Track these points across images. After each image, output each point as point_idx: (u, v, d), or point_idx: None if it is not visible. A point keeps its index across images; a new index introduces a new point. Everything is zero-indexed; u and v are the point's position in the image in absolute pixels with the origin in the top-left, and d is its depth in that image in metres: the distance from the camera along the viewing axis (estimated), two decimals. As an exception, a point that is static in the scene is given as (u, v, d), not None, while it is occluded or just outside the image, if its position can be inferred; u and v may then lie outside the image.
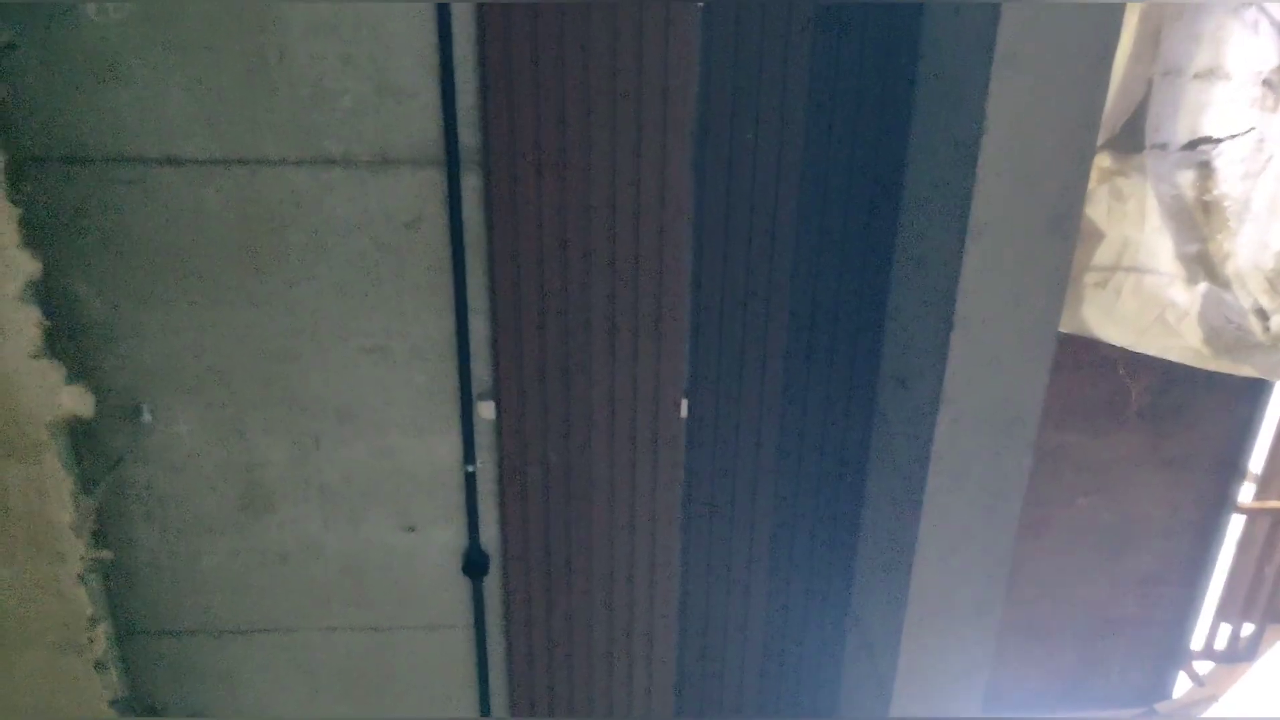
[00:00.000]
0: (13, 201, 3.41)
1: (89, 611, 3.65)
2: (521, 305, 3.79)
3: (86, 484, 3.56)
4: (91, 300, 3.71)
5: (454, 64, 3.47)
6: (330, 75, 3.46)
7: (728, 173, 3.64)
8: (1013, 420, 3.51)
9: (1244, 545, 5.38)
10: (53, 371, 3.33)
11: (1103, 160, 3.49)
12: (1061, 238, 3.24)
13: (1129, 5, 3.14)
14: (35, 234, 3.53)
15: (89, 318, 3.73)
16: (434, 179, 3.63)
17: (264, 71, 3.43)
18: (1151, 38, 3.23)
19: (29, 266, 3.19)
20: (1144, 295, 3.81)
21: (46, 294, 3.59)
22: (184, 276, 3.70)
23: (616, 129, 3.55)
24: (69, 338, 3.71)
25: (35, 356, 3.27)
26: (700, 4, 3.41)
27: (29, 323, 3.22)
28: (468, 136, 3.58)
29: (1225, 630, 5.69)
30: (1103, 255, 3.81)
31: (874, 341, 3.88)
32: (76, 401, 3.41)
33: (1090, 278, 3.87)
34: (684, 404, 4.03)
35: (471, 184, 3.64)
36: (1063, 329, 4.04)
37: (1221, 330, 3.72)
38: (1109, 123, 3.39)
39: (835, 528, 4.20)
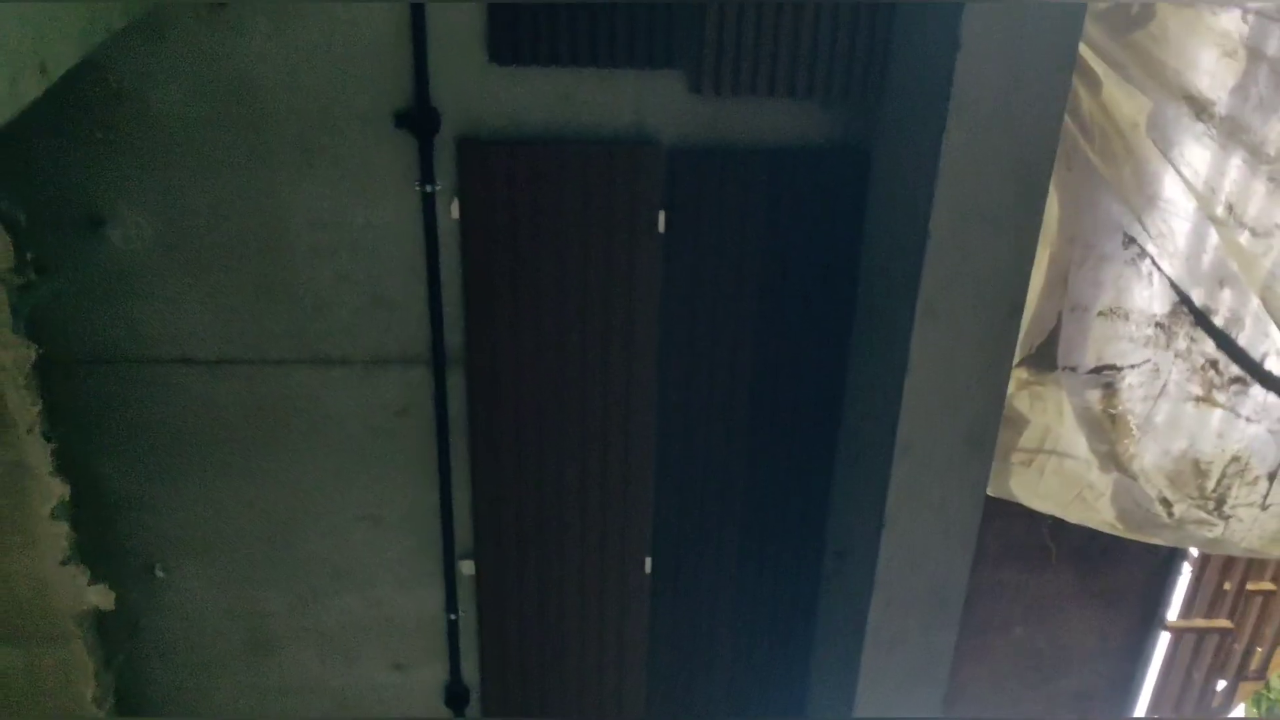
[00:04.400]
0: (43, 398, 3.81)
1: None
2: (500, 479, 4.19)
3: (109, 659, 3.96)
4: (111, 477, 4.11)
5: (440, 279, 3.87)
6: (329, 290, 3.86)
7: (688, 373, 4.05)
8: (940, 603, 3.93)
9: (1170, 660, 5.82)
10: (79, 575, 3.74)
11: (1021, 374, 3.90)
12: (979, 454, 3.65)
13: (1040, 247, 3.55)
14: (62, 423, 3.93)
15: (109, 491, 4.12)
16: (422, 375, 4.04)
17: (269, 289, 3.83)
18: (1061, 278, 3.64)
19: (59, 490, 3.59)
20: (1064, 476, 4.22)
21: (70, 470, 3.99)
22: (195, 457, 4.10)
23: (586, 334, 3.95)
24: (90, 508, 4.11)
25: (64, 563, 3.68)
26: (661, 231, 3.80)
27: (59, 536, 3.63)
28: (453, 339, 3.98)
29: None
30: (1028, 439, 4.23)
31: (819, 524, 4.29)
32: (100, 598, 3.81)
33: (1017, 457, 4.28)
34: (648, 561, 4.43)
35: (456, 380, 4.05)
36: (994, 494, 4.46)
37: (1132, 512, 4.14)
38: (1026, 344, 3.80)
39: (787, 685, 4.62)
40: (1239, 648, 5.96)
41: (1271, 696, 8.37)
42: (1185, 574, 5.56)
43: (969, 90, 3.07)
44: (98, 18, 2.15)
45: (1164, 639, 5.72)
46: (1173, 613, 5.67)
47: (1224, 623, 5.64)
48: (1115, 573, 5.23)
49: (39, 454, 3.49)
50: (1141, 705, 5.87)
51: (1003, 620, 5.27)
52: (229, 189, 3.68)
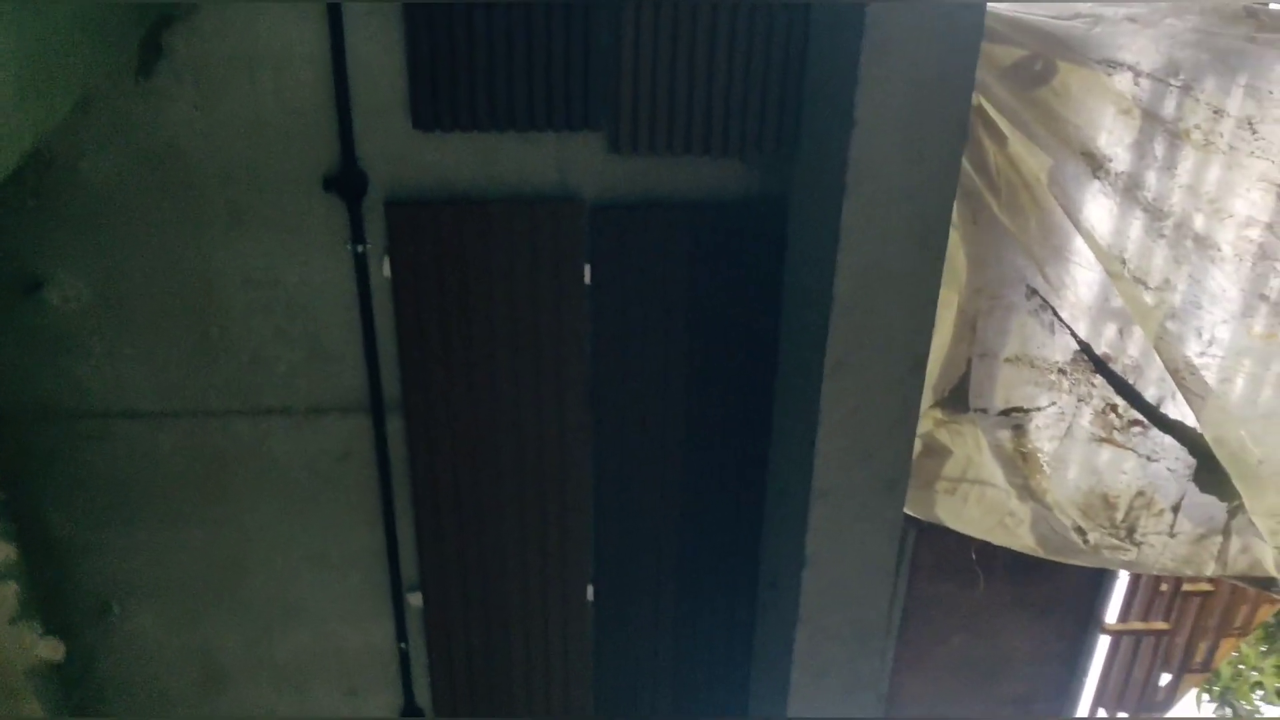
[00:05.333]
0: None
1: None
2: (442, 516, 4.33)
3: (66, 699, 4.11)
4: (61, 524, 4.23)
5: (375, 332, 3.98)
6: (266, 346, 3.97)
7: (621, 413, 4.18)
8: (863, 634, 4.08)
9: (1110, 660, 6.01)
10: (29, 631, 3.87)
11: (937, 414, 4.04)
12: (893, 496, 3.80)
13: (945, 297, 3.69)
14: (9, 475, 4.05)
15: (58, 537, 4.25)
16: (362, 422, 4.16)
17: (206, 345, 3.95)
18: (969, 326, 3.78)
19: (5, 550, 3.72)
20: (986, 504, 4.37)
21: (18, 518, 4.12)
22: (142, 504, 4.22)
23: (519, 379, 4.07)
24: (41, 555, 4.24)
25: (13, 621, 3.81)
26: (588, 283, 3.92)
27: (7, 596, 3.75)
28: (390, 387, 4.10)
29: (1103, 721, 6.36)
30: (950, 468, 4.37)
31: (752, 555, 4.44)
32: (49, 650, 3.95)
33: (941, 485, 4.42)
34: (589, 589, 4.58)
35: (395, 425, 4.17)
36: (921, 517, 4.62)
37: (1050, 538, 4.30)
38: (939, 388, 3.94)
39: (728, 707, 4.78)
40: (1180, 642, 6.15)
41: (1223, 684, 8.61)
42: (1122, 578, 5.73)
43: (865, 164, 3.19)
44: (7, 147, 2.24)
45: (1103, 641, 5.90)
46: (1111, 615, 5.85)
47: (1161, 625, 5.82)
48: (1051, 581, 5.39)
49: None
50: (1084, 705, 6.06)
51: (941, 631, 5.44)
52: (163, 250, 3.79)
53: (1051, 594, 5.46)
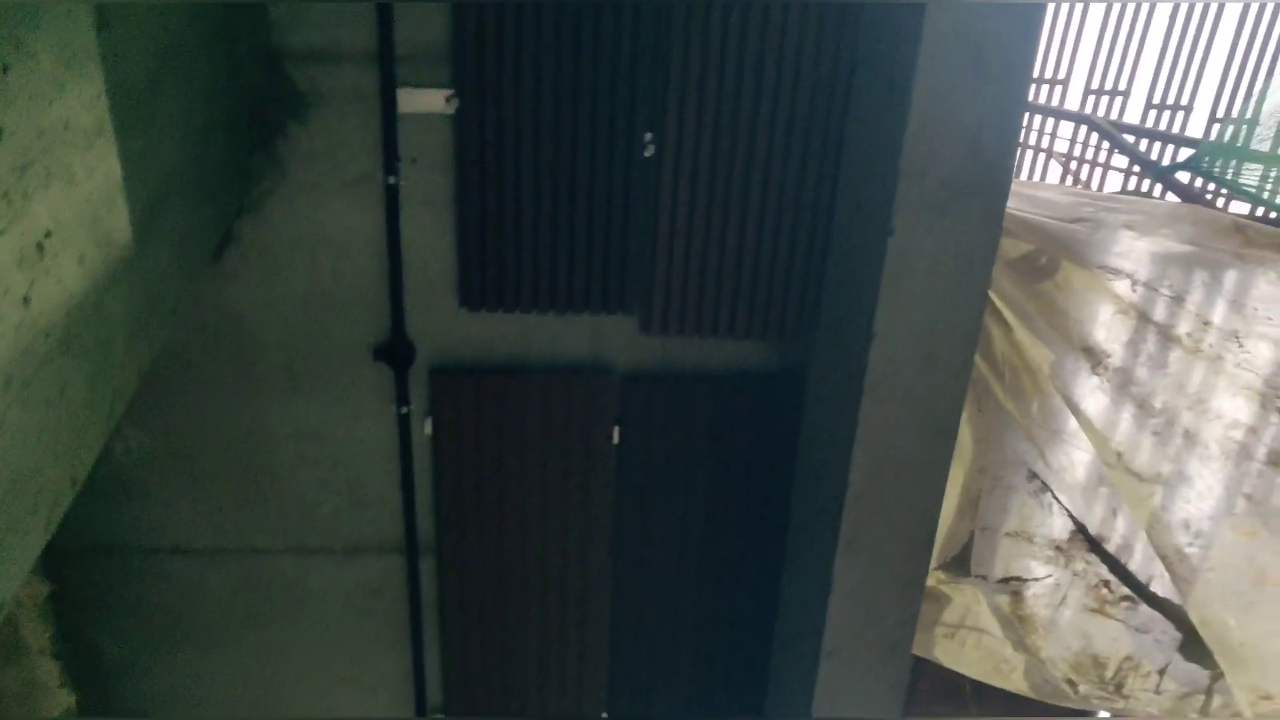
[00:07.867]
0: (52, 585, 4.19)
1: None
2: (467, 649, 4.58)
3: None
4: (111, 649, 4.48)
5: (414, 484, 4.25)
6: (311, 492, 4.23)
7: (640, 561, 4.44)
8: (865, 777, 4.33)
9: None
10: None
11: (939, 575, 4.30)
12: (897, 657, 4.06)
13: (956, 473, 3.96)
14: (69, 604, 4.31)
15: (108, 659, 4.50)
16: (397, 562, 4.42)
17: (258, 491, 4.21)
18: (972, 502, 4.05)
19: (67, 699, 3.99)
20: (983, 649, 4.62)
21: (72, 642, 4.38)
22: (188, 631, 4.48)
23: (547, 529, 4.34)
24: (91, 675, 4.49)
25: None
26: (615, 443, 4.19)
27: (66, 735, 4.03)
28: (425, 532, 4.36)
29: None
30: (950, 614, 4.63)
31: (759, 699, 4.70)
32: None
33: (940, 630, 4.68)
34: (604, 717, 4.83)
35: (428, 565, 4.43)
36: (921, 655, 4.87)
37: (1042, 686, 4.55)
38: (942, 554, 4.20)
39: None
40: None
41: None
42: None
43: (883, 369, 3.46)
44: (116, 404, 2.51)
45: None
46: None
47: (1146, 742, 6.06)
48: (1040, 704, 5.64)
49: (49, 671, 3.87)
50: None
51: (937, 750, 5.68)
52: (222, 407, 4.05)
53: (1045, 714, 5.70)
